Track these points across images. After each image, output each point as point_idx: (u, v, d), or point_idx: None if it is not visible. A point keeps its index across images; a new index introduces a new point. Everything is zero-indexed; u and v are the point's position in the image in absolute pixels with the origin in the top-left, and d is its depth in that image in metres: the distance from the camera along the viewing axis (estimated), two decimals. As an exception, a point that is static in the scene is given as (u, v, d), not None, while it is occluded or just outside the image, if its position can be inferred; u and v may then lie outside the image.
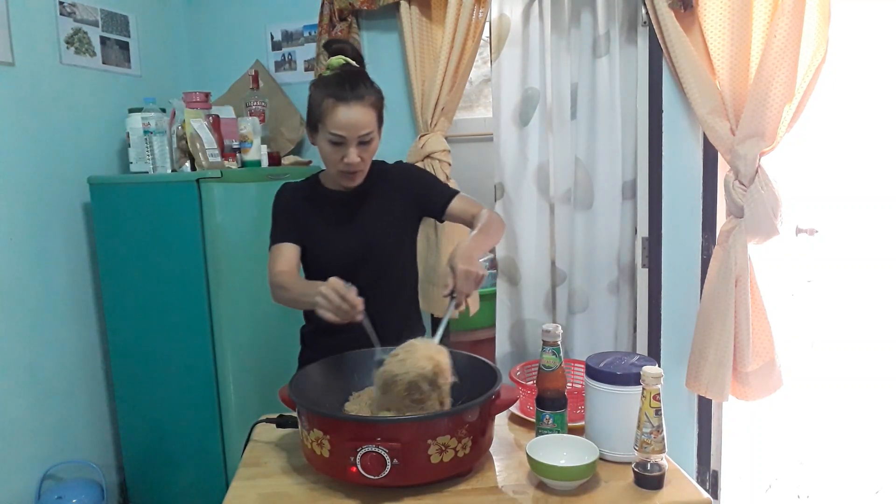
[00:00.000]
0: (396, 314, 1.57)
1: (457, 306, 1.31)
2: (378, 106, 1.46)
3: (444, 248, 2.44)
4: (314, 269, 1.56)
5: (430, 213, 1.62)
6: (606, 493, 1.10)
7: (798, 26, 1.83)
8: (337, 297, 1.22)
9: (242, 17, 2.73)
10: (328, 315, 1.23)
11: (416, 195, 1.59)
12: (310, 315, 1.61)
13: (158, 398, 2.21)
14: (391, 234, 1.57)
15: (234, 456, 2.07)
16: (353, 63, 1.48)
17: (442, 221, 1.63)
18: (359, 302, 1.24)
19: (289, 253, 1.50)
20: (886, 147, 1.94)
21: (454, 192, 1.61)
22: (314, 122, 1.45)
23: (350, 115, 1.39)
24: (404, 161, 2.43)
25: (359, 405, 1.30)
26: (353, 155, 1.42)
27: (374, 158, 1.54)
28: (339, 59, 1.46)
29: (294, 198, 1.57)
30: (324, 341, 1.50)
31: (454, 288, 1.29)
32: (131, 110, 2.25)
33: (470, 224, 1.58)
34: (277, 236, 1.53)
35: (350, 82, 1.41)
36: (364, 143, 1.43)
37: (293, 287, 1.41)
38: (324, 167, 1.55)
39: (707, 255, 2.17)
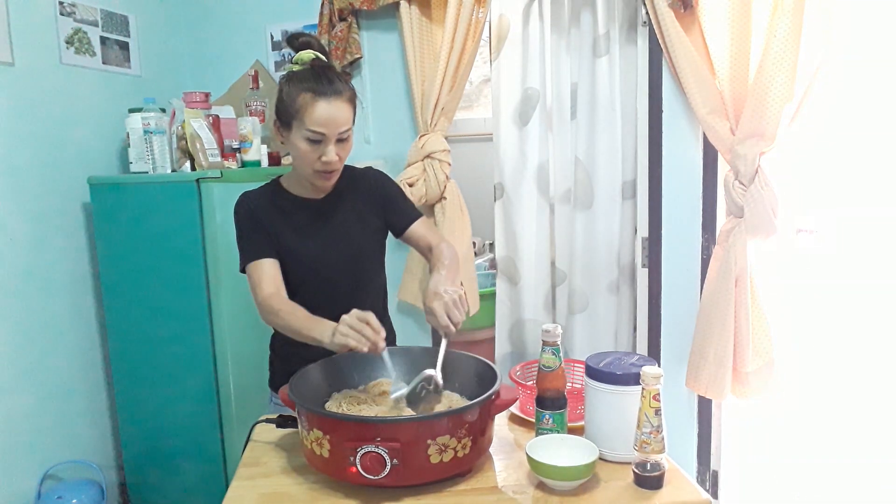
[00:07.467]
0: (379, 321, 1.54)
1: (447, 335, 1.29)
2: (353, 101, 1.40)
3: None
4: (290, 279, 1.48)
5: (390, 227, 1.58)
6: (606, 493, 1.10)
7: (798, 26, 1.83)
8: (360, 323, 1.21)
9: (242, 17, 2.73)
10: (351, 343, 1.20)
11: (383, 206, 1.55)
12: None
13: (158, 398, 2.21)
14: (370, 240, 1.54)
15: (234, 456, 2.07)
16: (322, 57, 1.41)
17: (397, 238, 1.58)
18: (381, 332, 1.23)
19: (271, 270, 1.43)
20: (887, 147, 1.94)
21: (418, 215, 1.57)
22: (288, 119, 1.38)
23: (331, 111, 1.33)
24: (404, 159, 2.46)
25: (338, 402, 1.30)
26: (331, 153, 1.37)
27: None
28: (308, 54, 1.39)
29: (258, 207, 1.48)
30: (294, 351, 1.43)
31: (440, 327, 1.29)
32: (131, 110, 2.25)
33: (425, 253, 1.54)
34: (252, 252, 1.45)
35: (326, 77, 1.35)
36: (341, 140, 1.38)
37: (288, 319, 1.35)
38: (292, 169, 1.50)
39: (707, 255, 2.17)
